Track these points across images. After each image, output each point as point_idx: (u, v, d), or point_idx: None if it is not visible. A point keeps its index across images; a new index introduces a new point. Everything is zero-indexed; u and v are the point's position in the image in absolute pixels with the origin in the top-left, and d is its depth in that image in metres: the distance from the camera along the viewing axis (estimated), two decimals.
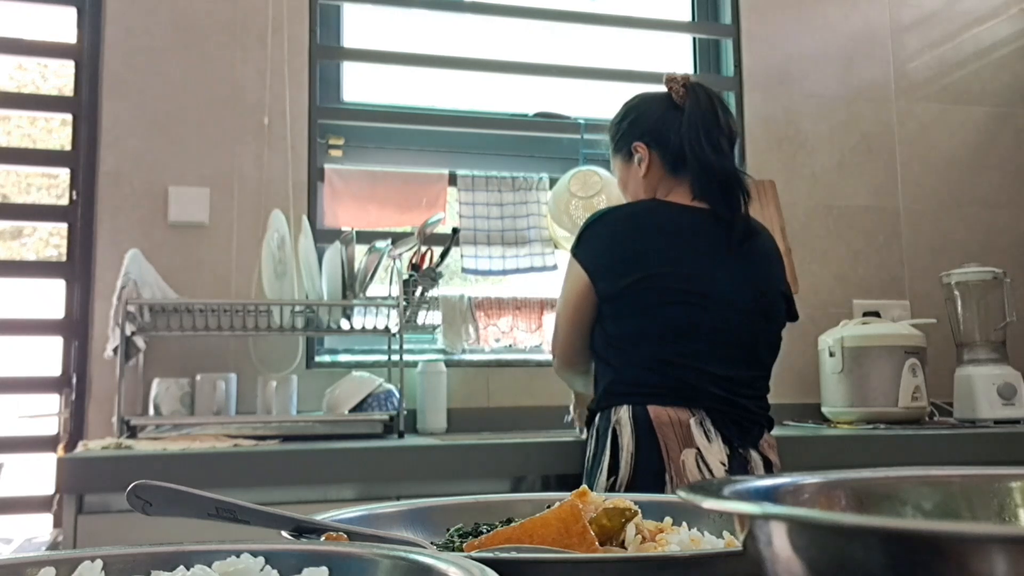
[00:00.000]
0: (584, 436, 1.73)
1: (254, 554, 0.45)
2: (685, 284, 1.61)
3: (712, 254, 1.64)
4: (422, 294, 2.18)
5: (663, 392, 1.58)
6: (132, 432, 1.94)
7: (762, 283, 1.68)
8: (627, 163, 1.77)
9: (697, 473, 1.52)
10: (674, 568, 0.46)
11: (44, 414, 2.21)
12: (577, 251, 1.69)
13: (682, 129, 1.68)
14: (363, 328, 2.11)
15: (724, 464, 1.55)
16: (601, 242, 1.67)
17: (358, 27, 2.61)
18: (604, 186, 2.41)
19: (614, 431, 1.57)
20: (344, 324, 2.10)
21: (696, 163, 1.66)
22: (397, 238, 2.20)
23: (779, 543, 0.33)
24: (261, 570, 0.44)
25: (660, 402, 1.57)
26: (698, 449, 1.54)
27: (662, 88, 1.76)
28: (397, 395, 2.09)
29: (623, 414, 1.58)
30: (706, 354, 1.60)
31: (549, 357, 2.44)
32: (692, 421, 1.56)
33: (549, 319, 2.44)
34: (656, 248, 1.64)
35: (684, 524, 0.58)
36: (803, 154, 2.75)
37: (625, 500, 0.55)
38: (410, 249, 2.16)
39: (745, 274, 1.66)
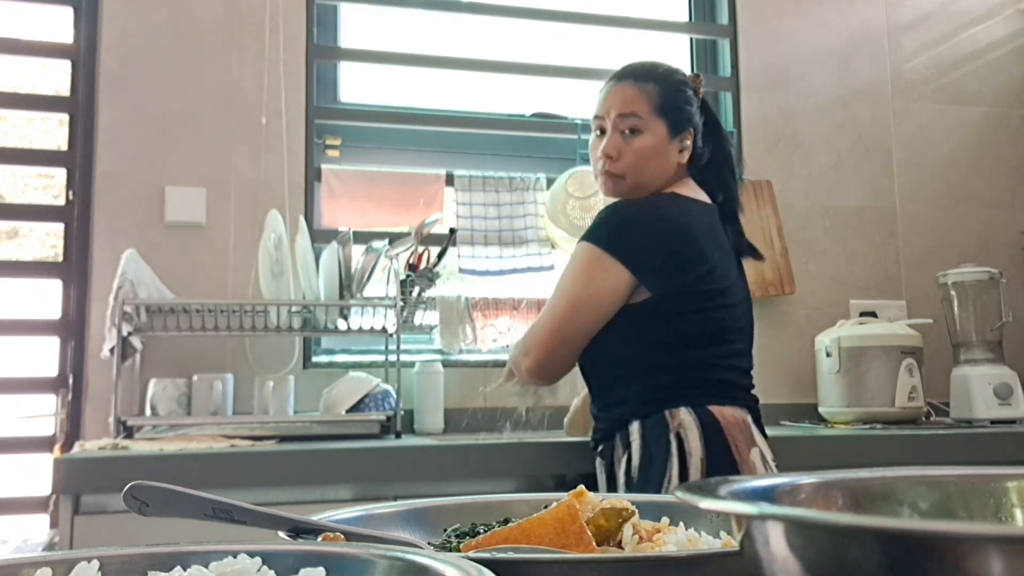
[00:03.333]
0: (591, 442, 1.69)
1: (251, 554, 0.45)
2: (722, 283, 1.60)
3: (729, 253, 1.66)
4: (419, 294, 2.18)
5: (717, 393, 1.55)
6: (129, 432, 1.94)
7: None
8: (668, 136, 1.64)
9: (765, 472, 1.52)
10: (671, 568, 0.46)
11: (41, 414, 2.21)
12: (613, 246, 1.56)
13: (719, 137, 1.71)
14: (360, 328, 2.11)
15: (773, 460, 1.56)
16: (648, 239, 1.57)
17: (355, 27, 2.61)
18: None
19: (679, 436, 1.49)
20: (341, 324, 2.10)
21: (726, 172, 1.70)
22: (394, 238, 2.20)
23: (776, 543, 0.33)
24: (258, 570, 0.44)
25: (718, 403, 1.54)
26: (759, 447, 1.54)
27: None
28: (394, 395, 2.08)
29: (685, 417, 1.51)
30: (740, 353, 1.62)
31: None
32: (748, 419, 1.56)
33: None
34: (699, 246, 1.59)
35: (681, 524, 0.58)
36: (800, 154, 2.76)
37: (622, 500, 0.55)
38: (407, 249, 2.15)
39: (743, 271, 1.70)
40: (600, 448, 1.65)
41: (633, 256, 1.54)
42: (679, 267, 1.56)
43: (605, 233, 1.57)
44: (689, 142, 1.66)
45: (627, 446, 1.55)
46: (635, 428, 1.54)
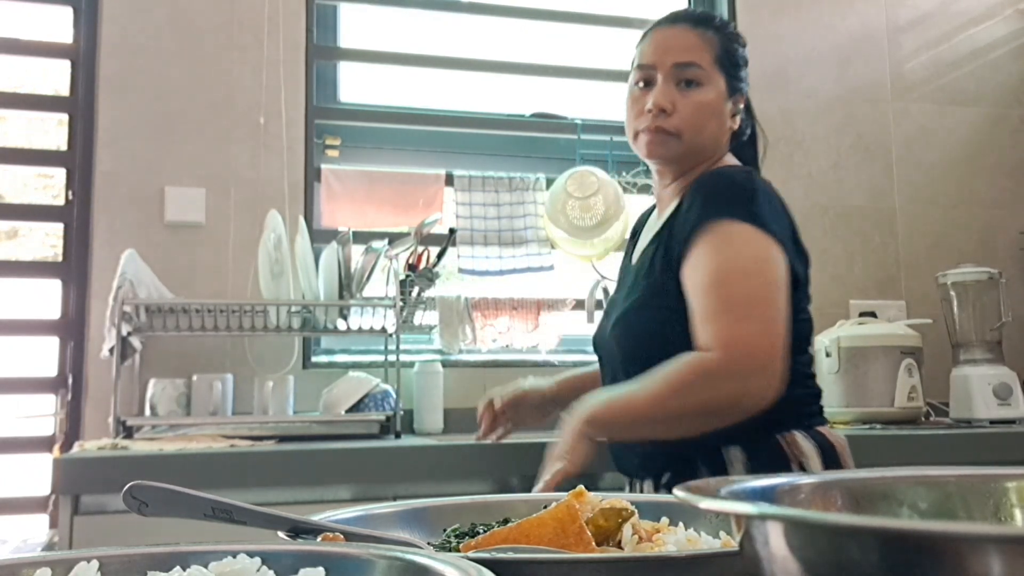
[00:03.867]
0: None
1: (250, 554, 0.45)
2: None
3: None
4: (419, 294, 2.18)
5: (819, 411, 1.34)
6: (128, 433, 1.93)
7: None
8: (726, 95, 1.40)
9: None
10: (671, 568, 0.46)
11: (40, 414, 2.21)
12: (761, 222, 1.24)
13: (752, 113, 1.50)
14: (360, 328, 2.11)
15: None
16: (780, 215, 1.29)
17: (354, 27, 2.61)
18: (601, 186, 2.41)
19: (802, 468, 1.23)
20: (341, 324, 2.10)
21: (757, 153, 1.51)
22: (394, 238, 2.20)
23: (775, 543, 0.33)
24: (257, 571, 0.44)
25: (821, 423, 1.32)
26: None
27: None
28: (394, 395, 2.08)
29: (803, 444, 1.25)
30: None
31: (546, 357, 2.46)
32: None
33: (546, 319, 2.44)
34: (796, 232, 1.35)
35: (681, 524, 0.58)
36: (799, 154, 2.76)
37: (622, 500, 0.55)
38: (407, 249, 2.15)
39: None
40: (665, 479, 1.33)
41: (778, 234, 1.25)
42: (802, 252, 1.32)
43: (742, 208, 1.24)
44: (742, 106, 1.43)
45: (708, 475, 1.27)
46: (737, 456, 1.24)
